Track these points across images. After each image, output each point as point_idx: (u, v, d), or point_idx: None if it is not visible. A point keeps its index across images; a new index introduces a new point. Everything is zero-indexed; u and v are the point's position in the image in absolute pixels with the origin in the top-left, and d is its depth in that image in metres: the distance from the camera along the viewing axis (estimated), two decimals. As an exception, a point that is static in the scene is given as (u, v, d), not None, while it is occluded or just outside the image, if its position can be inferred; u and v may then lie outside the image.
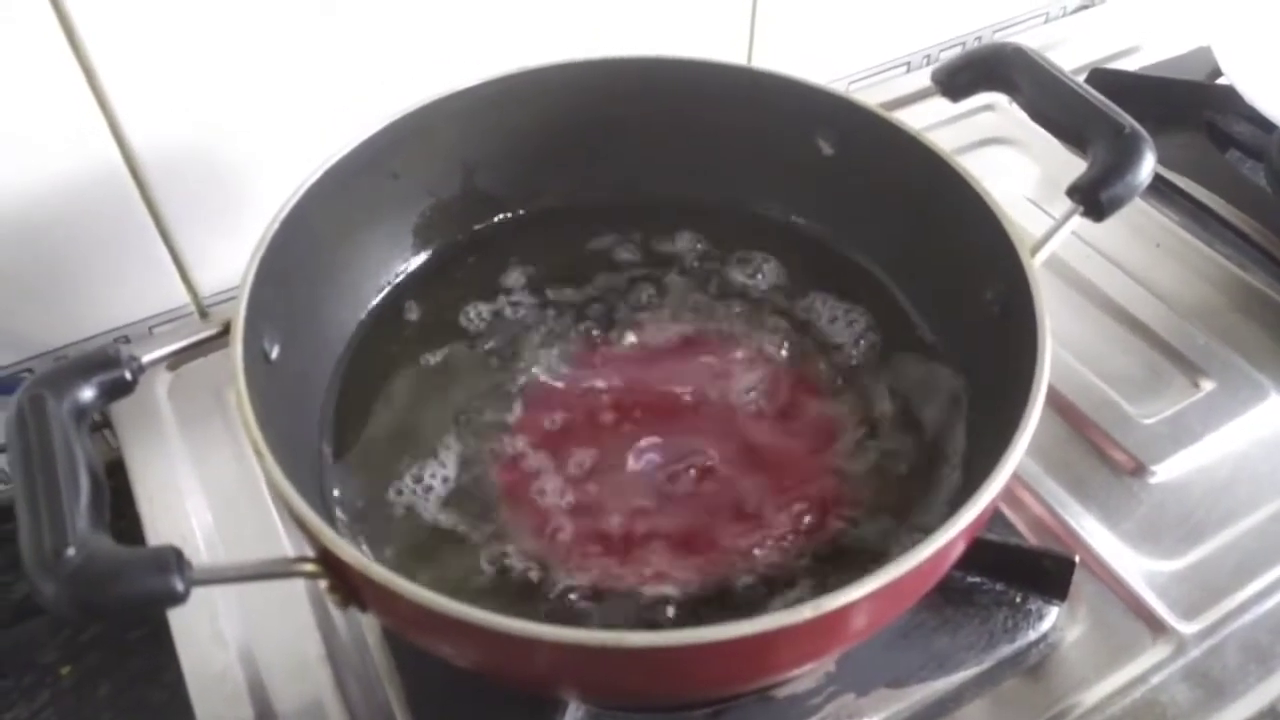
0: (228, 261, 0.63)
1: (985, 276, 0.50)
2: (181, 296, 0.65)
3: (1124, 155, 0.48)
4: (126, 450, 0.59)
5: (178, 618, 0.52)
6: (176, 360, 0.62)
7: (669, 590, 0.47)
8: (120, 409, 0.61)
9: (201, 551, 0.54)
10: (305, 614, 0.52)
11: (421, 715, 0.48)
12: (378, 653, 0.50)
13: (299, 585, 0.53)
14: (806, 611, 0.35)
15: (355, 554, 0.37)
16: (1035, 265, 0.47)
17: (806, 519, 0.50)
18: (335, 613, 0.52)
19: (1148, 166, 0.48)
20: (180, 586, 0.35)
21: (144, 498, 0.57)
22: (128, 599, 0.34)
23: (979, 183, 0.50)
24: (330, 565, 0.38)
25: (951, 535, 0.38)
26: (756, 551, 0.48)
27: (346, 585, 0.39)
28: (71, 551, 0.34)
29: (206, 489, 0.57)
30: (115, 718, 0.56)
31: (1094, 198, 0.48)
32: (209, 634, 0.51)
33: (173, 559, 0.35)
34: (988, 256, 0.49)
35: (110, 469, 0.57)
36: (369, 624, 0.51)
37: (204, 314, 0.66)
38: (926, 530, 0.39)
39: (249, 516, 0.56)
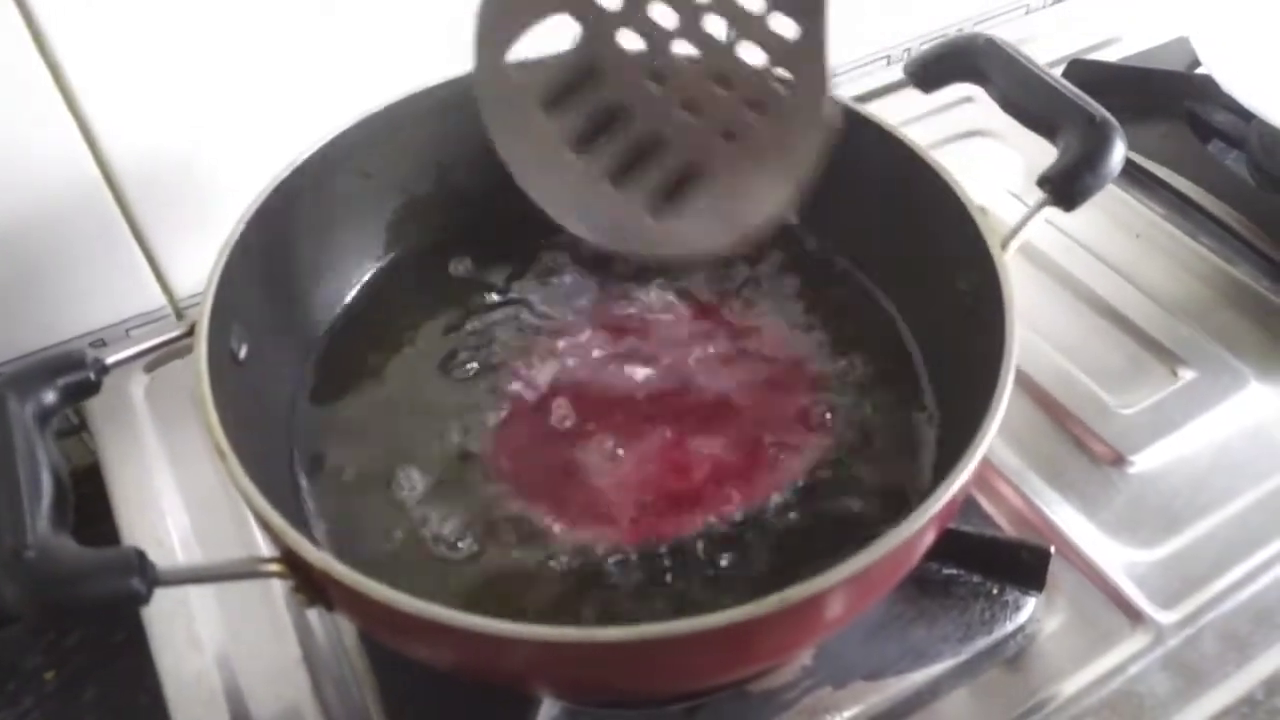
0: (205, 262, 0.63)
1: (958, 268, 0.50)
2: (159, 299, 0.65)
3: (1094, 144, 0.48)
4: (103, 453, 0.59)
5: (154, 622, 0.52)
6: (153, 362, 0.62)
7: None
8: (96, 411, 0.61)
9: (177, 553, 0.54)
10: (282, 617, 0.52)
11: (398, 717, 0.48)
12: (354, 655, 0.50)
13: (275, 588, 0.53)
14: (773, 602, 0.35)
15: (319, 554, 0.37)
16: (1005, 256, 0.47)
17: (777, 501, 0.50)
18: (312, 615, 0.52)
19: (1118, 155, 0.48)
20: (141, 588, 0.35)
21: (120, 500, 0.57)
22: (89, 600, 0.34)
23: (949, 174, 0.50)
24: (295, 565, 0.38)
25: (920, 524, 0.38)
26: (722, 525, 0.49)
27: (312, 585, 0.39)
28: (31, 553, 0.34)
29: (183, 490, 0.57)
30: (98, 721, 0.56)
31: (1064, 187, 0.48)
32: (185, 638, 0.51)
33: (135, 560, 0.35)
34: (959, 248, 0.49)
35: (89, 472, 0.58)
36: (345, 626, 0.51)
37: (180, 315, 0.66)
38: (897, 520, 0.38)
39: (225, 518, 0.56)
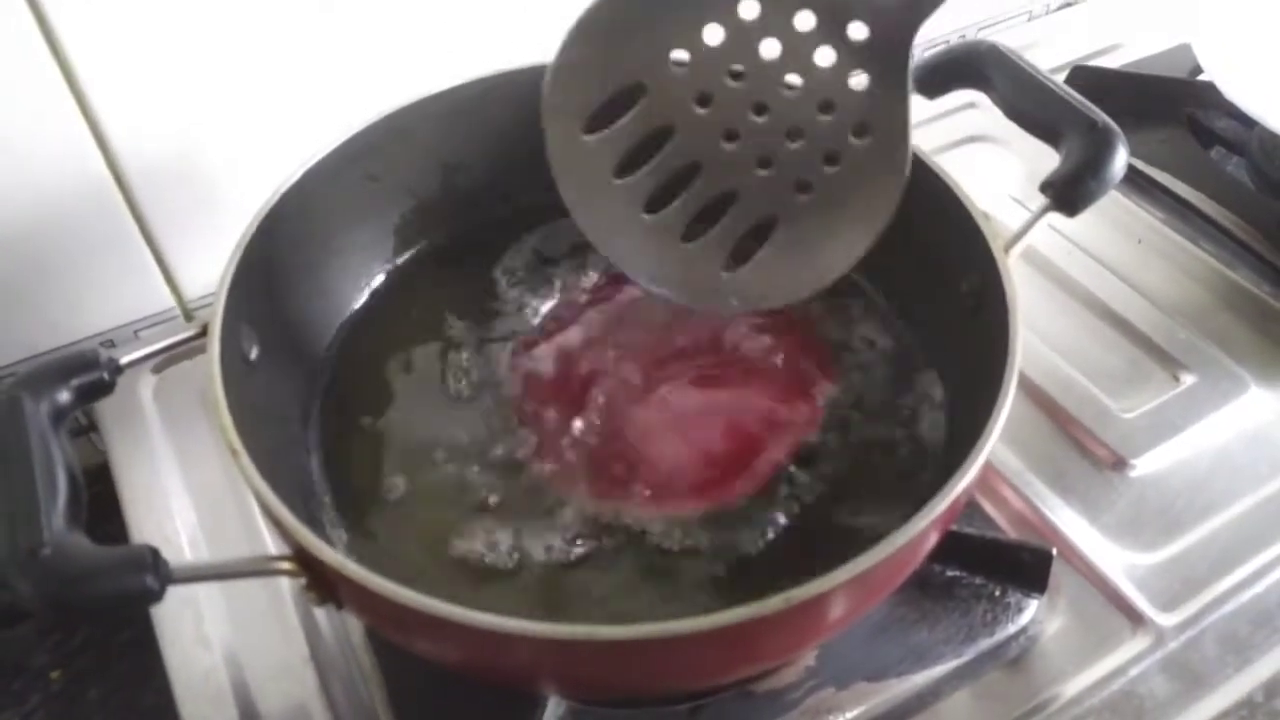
0: (213, 264, 0.64)
1: (961, 271, 0.50)
2: (167, 300, 0.66)
3: (1096, 150, 0.48)
4: (112, 453, 0.60)
5: (163, 620, 0.52)
6: (161, 363, 0.63)
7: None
8: (106, 412, 0.61)
9: (185, 552, 0.55)
10: (290, 615, 0.53)
11: (404, 715, 0.48)
12: (361, 653, 0.51)
13: (283, 587, 0.53)
14: (778, 602, 0.35)
15: (330, 551, 0.37)
16: (1008, 260, 0.47)
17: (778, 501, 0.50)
18: (319, 614, 0.53)
19: (1120, 161, 0.48)
20: (155, 585, 0.35)
21: (129, 499, 0.57)
22: (103, 597, 0.35)
23: (952, 178, 0.51)
24: (306, 563, 0.39)
25: (923, 526, 0.38)
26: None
27: (323, 583, 0.39)
28: (47, 551, 0.34)
29: (191, 490, 0.58)
30: (105, 720, 0.57)
31: (1066, 193, 0.48)
32: (194, 636, 0.52)
33: (148, 557, 0.35)
34: (963, 252, 0.49)
35: (99, 472, 0.58)
36: (353, 625, 0.52)
37: (189, 317, 0.67)
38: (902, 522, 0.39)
39: (233, 517, 0.56)
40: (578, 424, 0.52)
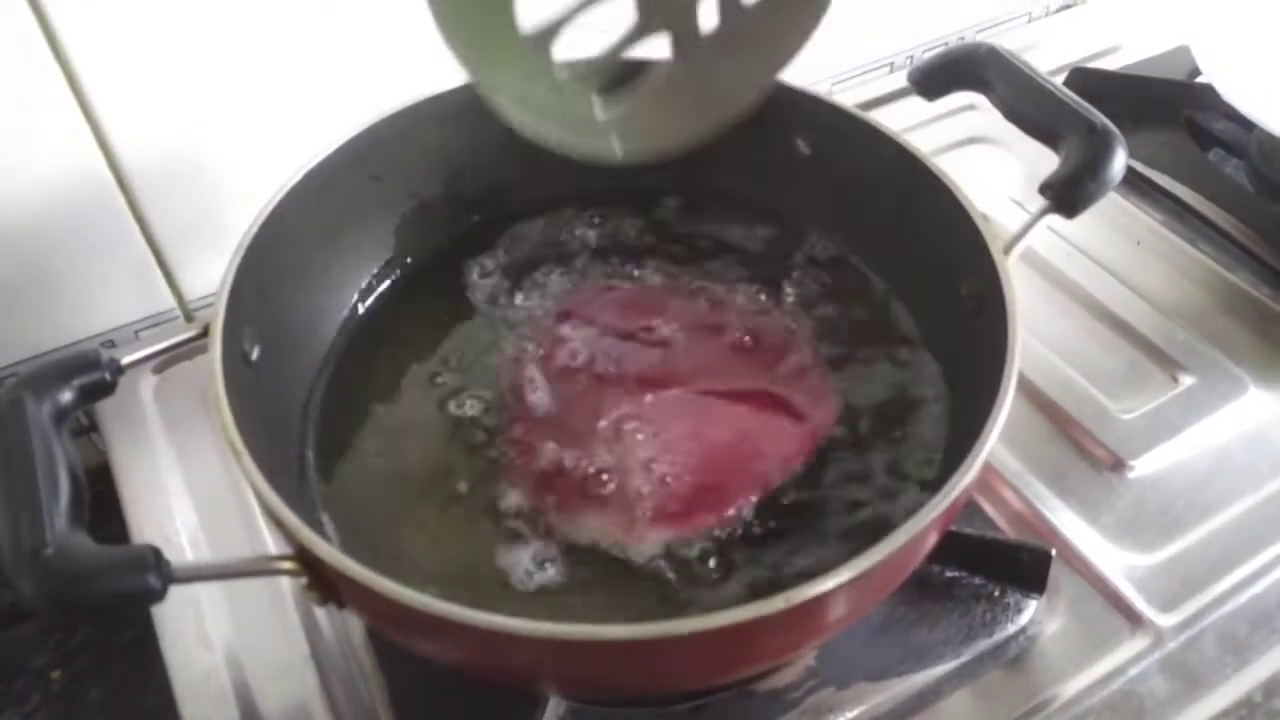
0: (214, 265, 0.64)
1: (961, 273, 0.50)
2: (168, 301, 0.66)
3: (1095, 152, 0.49)
4: (112, 453, 0.60)
5: (164, 620, 0.52)
6: (162, 363, 0.63)
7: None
8: (106, 412, 0.61)
9: (186, 552, 0.55)
10: (290, 615, 0.53)
11: (405, 715, 0.49)
12: (362, 653, 0.51)
13: (284, 587, 0.53)
14: (778, 602, 0.36)
15: (332, 551, 0.38)
16: (1008, 262, 0.47)
17: (780, 503, 0.50)
18: (320, 614, 0.53)
19: (1119, 163, 0.49)
20: (157, 584, 0.35)
21: (129, 499, 0.57)
22: (105, 597, 0.35)
23: (952, 180, 0.51)
24: (308, 563, 0.39)
25: (922, 525, 0.38)
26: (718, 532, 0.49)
27: (324, 582, 0.39)
28: (50, 550, 0.34)
29: (191, 490, 0.58)
30: (105, 720, 0.57)
31: (1065, 195, 0.49)
32: (195, 636, 0.52)
33: (150, 557, 0.35)
34: (963, 253, 0.50)
35: (99, 472, 0.59)
36: (353, 625, 0.52)
37: (190, 317, 0.67)
38: (900, 521, 0.39)
39: (234, 517, 0.56)
40: (570, 451, 0.52)
